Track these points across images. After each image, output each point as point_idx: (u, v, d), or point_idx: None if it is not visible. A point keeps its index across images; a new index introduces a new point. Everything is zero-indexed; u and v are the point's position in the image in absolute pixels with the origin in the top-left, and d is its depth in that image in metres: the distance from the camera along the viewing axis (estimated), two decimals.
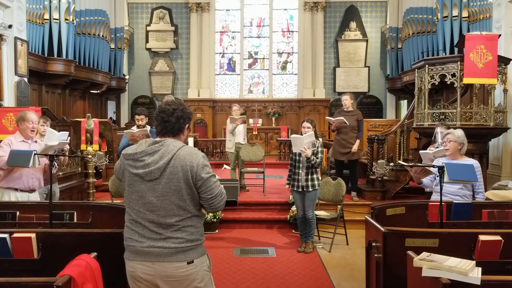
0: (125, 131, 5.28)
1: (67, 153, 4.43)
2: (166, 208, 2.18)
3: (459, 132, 3.95)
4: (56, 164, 4.67)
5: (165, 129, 2.26)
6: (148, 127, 5.69)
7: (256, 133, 12.73)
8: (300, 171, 5.17)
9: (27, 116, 4.20)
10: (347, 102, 6.59)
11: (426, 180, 3.91)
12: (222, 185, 2.33)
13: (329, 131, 12.43)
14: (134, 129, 5.64)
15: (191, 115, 2.35)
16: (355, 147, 6.48)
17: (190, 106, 12.87)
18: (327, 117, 6.78)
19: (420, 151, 4.64)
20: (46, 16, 9.89)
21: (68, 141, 4.44)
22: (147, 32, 14.33)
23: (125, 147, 5.25)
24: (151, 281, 2.21)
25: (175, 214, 2.18)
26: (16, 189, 4.10)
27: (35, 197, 4.24)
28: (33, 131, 4.26)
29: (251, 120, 12.89)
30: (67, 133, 4.54)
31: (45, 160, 4.09)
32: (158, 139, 2.27)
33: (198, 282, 2.22)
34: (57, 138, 4.20)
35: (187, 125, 2.32)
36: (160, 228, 2.18)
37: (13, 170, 4.05)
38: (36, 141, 4.33)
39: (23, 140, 4.20)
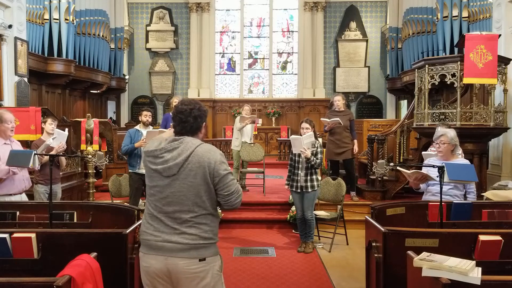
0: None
1: (62, 152, 4.45)
2: (182, 203, 2.23)
3: (452, 133, 3.90)
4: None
5: (184, 129, 2.31)
6: (150, 127, 5.71)
7: (256, 133, 12.65)
8: (300, 172, 5.17)
9: (5, 117, 4.03)
10: (339, 102, 6.69)
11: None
12: (238, 183, 2.41)
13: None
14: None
15: (207, 113, 2.40)
16: (356, 148, 6.60)
17: None
18: (321, 119, 6.80)
19: (423, 152, 4.59)
20: (46, 16, 9.87)
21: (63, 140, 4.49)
22: (147, 32, 14.33)
23: (129, 148, 5.37)
24: (165, 277, 2.23)
25: (190, 210, 2.23)
26: (10, 194, 4.05)
27: (25, 197, 4.22)
28: (13, 130, 4.10)
29: None
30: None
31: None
32: (177, 137, 2.31)
33: (208, 281, 2.24)
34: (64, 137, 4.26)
35: (204, 123, 2.38)
36: (176, 223, 2.23)
37: (4, 178, 3.98)
38: (13, 141, 4.21)
39: (5, 143, 4.06)
